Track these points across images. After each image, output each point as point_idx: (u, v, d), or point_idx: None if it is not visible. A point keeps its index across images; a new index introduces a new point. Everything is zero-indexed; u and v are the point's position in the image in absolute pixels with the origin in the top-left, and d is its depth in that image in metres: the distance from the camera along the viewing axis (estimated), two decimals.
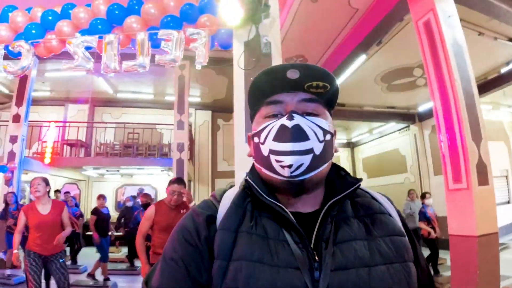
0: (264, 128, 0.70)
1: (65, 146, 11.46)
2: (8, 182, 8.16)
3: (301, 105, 0.70)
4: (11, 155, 8.24)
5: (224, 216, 0.67)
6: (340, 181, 0.74)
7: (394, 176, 11.95)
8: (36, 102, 9.63)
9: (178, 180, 3.56)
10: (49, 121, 10.91)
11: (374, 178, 12.87)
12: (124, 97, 12.20)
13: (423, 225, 5.59)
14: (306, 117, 0.68)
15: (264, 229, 0.65)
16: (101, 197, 7.16)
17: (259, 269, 0.60)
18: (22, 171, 8.44)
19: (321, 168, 0.68)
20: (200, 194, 12.06)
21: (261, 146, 0.70)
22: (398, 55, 7.11)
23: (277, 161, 0.66)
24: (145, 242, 3.39)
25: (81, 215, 8.82)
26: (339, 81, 7.28)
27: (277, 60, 3.40)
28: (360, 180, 0.73)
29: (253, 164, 0.76)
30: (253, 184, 0.68)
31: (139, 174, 12.45)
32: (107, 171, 11.80)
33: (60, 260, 3.81)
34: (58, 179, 12.15)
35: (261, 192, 0.67)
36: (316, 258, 0.63)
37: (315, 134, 0.67)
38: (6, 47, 4.02)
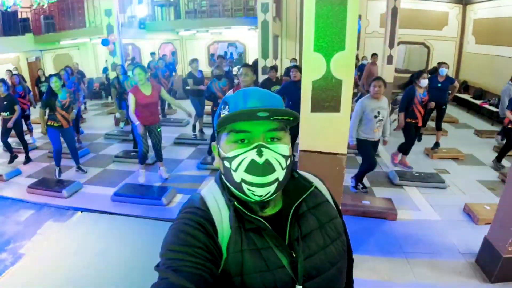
0: (235, 157, 0.78)
1: (155, 7, 11.73)
2: (112, 52, 8.98)
3: (267, 134, 0.79)
4: (110, 28, 8.76)
5: (231, 240, 0.79)
6: (293, 183, 0.88)
7: (508, 49, 9.18)
8: None
9: (246, 64, 4.01)
10: None
11: (483, 45, 10.51)
12: None
13: (509, 114, 4.86)
14: (271, 146, 0.78)
15: (254, 242, 0.79)
16: (194, 61, 7.58)
17: (263, 275, 0.76)
18: (122, 42, 9.04)
19: (282, 187, 0.82)
20: (288, 50, 11.88)
21: (232, 172, 0.79)
22: None
23: (249, 189, 0.78)
24: None
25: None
26: None
27: None
28: (312, 184, 0.87)
29: (221, 177, 0.88)
30: (241, 208, 0.79)
31: (227, 31, 12.46)
32: (197, 31, 12.07)
33: (158, 130, 4.91)
34: (155, 41, 12.95)
35: (249, 214, 0.79)
36: (293, 254, 0.79)
37: (280, 164, 0.78)
38: None
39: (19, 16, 11.37)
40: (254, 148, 0.77)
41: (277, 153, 0.78)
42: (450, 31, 11.51)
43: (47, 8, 11.99)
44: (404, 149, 5.18)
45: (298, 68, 5.27)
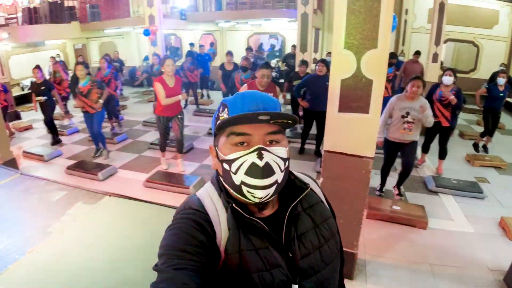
0: (235, 159, 0.79)
1: None
2: (153, 42, 9.20)
3: (267, 137, 0.80)
4: (151, 18, 8.95)
5: (229, 242, 0.79)
6: (290, 185, 0.89)
7: None
8: None
9: (266, 65, 3.94)
10: None
11: None
12: None
13: None
14: (270, 149, 0.79)
15: (252, 243, 0.79)
16: (228, 53, 7.65)
17: (261, 275, 0.77)
18: (163, 33, 9.23)
19: (280, 189, 0.82)
20: (329, 43, 11.62)
21: (232, 174, 0.80)
22: None
23: (249, 192, 0.78)
24: None
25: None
26: None
27: None
28: (307, 185, 0.89)
29: (218, 179, 0.89)
30: (239, 210, 0.80)
31: (267, 23, 12.40)
32: (237, 23, 12.12)
33: (179, 116, 4.98)
34: (196, 32, 13.13)
35: (247, 215, 0.80)
36: (290, 254, 0.81)
37: (279, 166, 0.79)
38: None
39: (66, 5, 11.94)
40: (254, 151, 0.78)
41: (277, 156, 0.79)
42: (501, 31, 10.77)
43: None
44: (426, 147, 5.12)
45: (326, 64, 5.14)
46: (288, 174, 0.89)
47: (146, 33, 9.01)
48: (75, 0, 12.51)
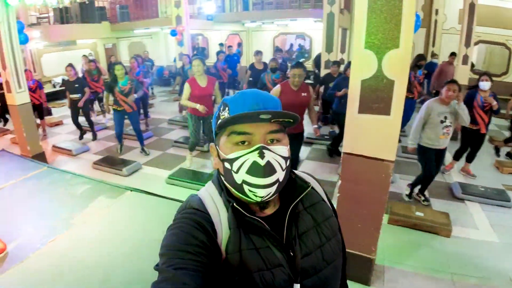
0: (236, 158, 0.79)
1: None
2: (180, 43, 9.36)
3: (268, 135, 0.80)
4: (178, 19, 9.11)
5: (230, 241, 0.80)
6: (291, 183, 0.89)
7: None
8: None
9: (298, 64, 3.86)
10: None
11: None
12: None
13: None
14: (272, 147, 0.79)
15: (252, 242, 0.79)
16: (258, 53, 7.58)
17: (262, 274, 0.77)
18: (189, 33, 9.37)
19: (282, 188, 0.82)
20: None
21: (233, 173, 0.80)
22: None
23: (250, 190, 0.78)
24: None
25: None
26: None
27: None
28: (309, 184, 0.89)
29: (219, 178, 0.89)
30: (240, 209, 0.80)
31: (293, 23, 12.34)
32: (263, 23, 12.14)
33: (211, 120, 4.95)
34: (223, 32, 13.25)
35: (248, 215, 0.80)
36: (291, 253, 0.80)
37: (280, 165, 0.79)
38: None
39: (96, 5, 12.34)
40: (256, 150, 0.78)
41: (278, 155, 0.80)
42: None
43: None
44: (459, 155, 4.87)
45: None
46: (289, 173, 0.88)
47: (173, 33, 9.19)
48: (105, 0, 12.93)
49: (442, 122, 3.71)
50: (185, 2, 8.89)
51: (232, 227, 0.80)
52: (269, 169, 0.77)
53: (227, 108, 0.82)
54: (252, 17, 11.64)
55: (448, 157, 5.01)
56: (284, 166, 0.80)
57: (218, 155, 0.86)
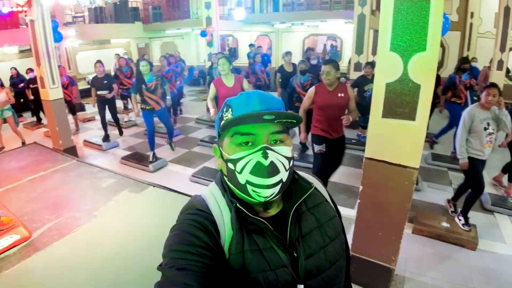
0: (240, 159, 0.79)
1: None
2: (209, 43, 9.47)
3: (271, 136, 0.80)
4: (208, 20, 9.23)
5: (233, 242, 0.79)
6: (293, 184, 0.88)
7: None
8: None
9: (327, 61, 3.69)
10: None
11: None
12: None
13: None
14: (275, 148, 0.79)
15: (256, 243, 0.79)
16: (287, 54, 7.25)
17: (265, 275, 0.77)
18: (219, 34, 9.45)
19: (285, 188, 0.82)
20: None
21: (237, 174, 0.80)
22: None
23: (254, 191, 0.79)
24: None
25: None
26: None
27: None
28: (312, 185, 0.88)
29: (222, 179, 0.89)
30: (244, 209, 0.79)
31: (324, 24, 12.20)
32: (293, 24, 12.07)
33: None
34: (252, 33, 13.30)
35: (251, 215, 0.79)
36: (294, 254, 0.80)
37: (283, 165, 0.79)
38: None
39: (130, 6, 12.72)
40: (259, 150, 0.78)
41: (281, 155, 0.80)
42: None
43: None
44: (509, 170, 4.41)
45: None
46: (292, 174, 0.88)
47: (203, 34, 9.33)
48: (138, 1, 13.31)
49: (485, 129, 3.41)
50: (216, 4, 8.99)
51: (235, 228, 0.80)
52: (272, 170, 0.78)
53: (230, 109, 0.82)
54: (282, 18, 11.62)
55: None
56: (287, 167, 0.81)
57: (222, 156, 0.86)
